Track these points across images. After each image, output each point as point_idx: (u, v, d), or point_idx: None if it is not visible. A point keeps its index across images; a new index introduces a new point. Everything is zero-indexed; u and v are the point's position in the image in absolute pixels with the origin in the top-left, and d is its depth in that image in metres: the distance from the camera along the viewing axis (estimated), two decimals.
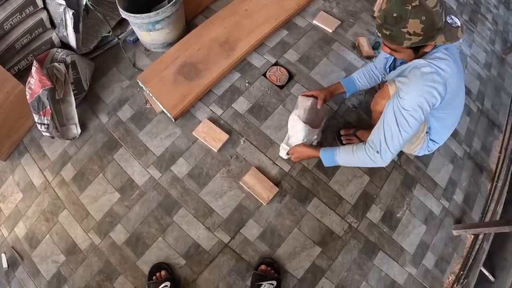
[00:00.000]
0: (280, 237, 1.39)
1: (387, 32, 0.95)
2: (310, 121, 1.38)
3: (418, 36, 0.93)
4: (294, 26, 1.91)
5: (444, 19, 0.94)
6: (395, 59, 1.30)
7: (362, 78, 1.45)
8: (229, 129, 1.57)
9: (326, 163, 1.27)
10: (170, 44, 1.73)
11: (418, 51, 1.03)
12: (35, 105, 1.43)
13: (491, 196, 1.67)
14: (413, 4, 0.88)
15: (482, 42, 2.25)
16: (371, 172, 1.53)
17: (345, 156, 1.19)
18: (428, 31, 0.92)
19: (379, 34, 0.99)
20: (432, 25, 0.91)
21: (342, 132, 1.59)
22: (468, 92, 1.92)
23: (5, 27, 1.48)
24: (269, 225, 1.40)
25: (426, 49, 1.01)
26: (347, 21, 1.97)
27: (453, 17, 0.98)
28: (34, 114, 1.46)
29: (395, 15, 0.91)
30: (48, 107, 1.43)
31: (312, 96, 1.42)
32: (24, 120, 1.57)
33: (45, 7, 1.58)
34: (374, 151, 1.08)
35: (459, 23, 0.98)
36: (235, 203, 1.43)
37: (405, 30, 0.92)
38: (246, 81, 1.71)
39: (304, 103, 1.41)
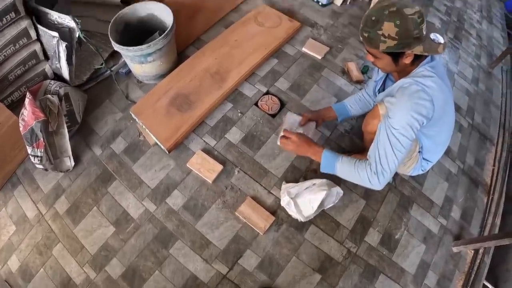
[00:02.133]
0: (279, 266, 1.37)
1: (366, 34, 1.01)
2: None
3: (393, 40, 0.98)
4: (284, 54, 1.94)
5: (424, 33, 0.99)
6: (384, 82, 1.33)
7: (353, 103, 1.47)
8: (223, 159, 1.58)
9: (324, 168, 1.23)
10: (163, 76, 1.75)
11: (397, 61, 1.06)
12: (28, 137, 1.42)
13: (488, 209, 1.67)
14: (390, 9, 0.95)
15: (468, 58, 2.30)
16: (367, 195, 1.53)
17: (346, 168, 1.17)
18: (403, 36, 0.97)
19: (361, 38, 1.05)
20: (407, 31, 0.96)
21: None
22: (457, 108, 1.95)
23: None
24: (267, 255, 1.39)
25: (406, 61, 1.04)
26: (335, 47, 2.01)
27: (437, 34, 1.02)
28: (27, 146, 1.45)
29: (373, 18, 0.98)
30: (42, 139, 1.42)
31: (301, 115, 1.48)
32: (17, 151, 1.56)
33: (39, 39, 1.59)
34: (372, 172, 1.09)
35: (442, 41, 1.02)
36: (232, 234, 1.42)
37: (380, 32, 0.98)
38: (238, 111, 1.72)
39: (289, 119, 1.47)
